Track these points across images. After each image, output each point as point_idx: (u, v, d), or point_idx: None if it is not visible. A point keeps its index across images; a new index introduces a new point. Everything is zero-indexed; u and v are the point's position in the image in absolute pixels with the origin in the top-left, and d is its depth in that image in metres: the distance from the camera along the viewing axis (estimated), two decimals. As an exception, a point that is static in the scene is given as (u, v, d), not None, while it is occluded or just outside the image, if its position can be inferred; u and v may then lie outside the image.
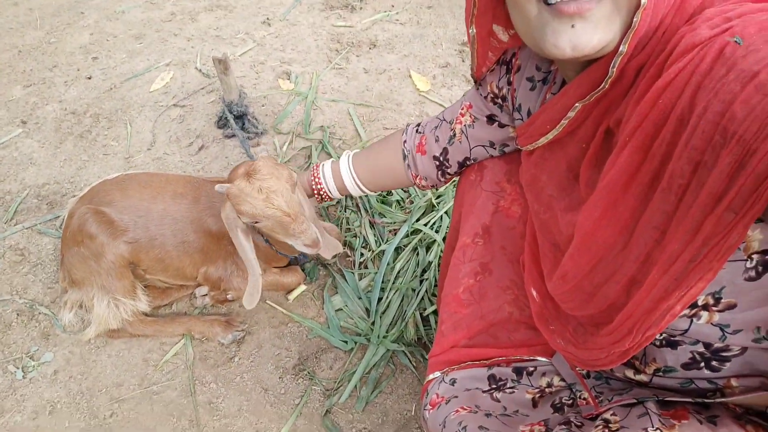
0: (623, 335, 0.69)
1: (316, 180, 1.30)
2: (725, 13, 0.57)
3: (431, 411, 0.95)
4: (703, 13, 0.59)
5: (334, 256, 1.54)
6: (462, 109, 1.07)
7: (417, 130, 1.18)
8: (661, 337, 0.75)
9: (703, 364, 0.73)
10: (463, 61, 2.33)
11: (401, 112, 2.08)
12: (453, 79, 2.24)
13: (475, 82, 1.03)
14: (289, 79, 2.24)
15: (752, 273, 0.61)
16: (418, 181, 1.20)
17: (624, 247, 0.67)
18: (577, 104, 0.72)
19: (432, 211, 1.71)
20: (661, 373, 0.79)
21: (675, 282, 0.59)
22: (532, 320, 0.94)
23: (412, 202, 1.76)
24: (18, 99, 2.12)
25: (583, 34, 0.61)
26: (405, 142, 1.19)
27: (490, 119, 1.03)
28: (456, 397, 0.95)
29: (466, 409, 0.91)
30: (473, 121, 1.06)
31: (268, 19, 2.55)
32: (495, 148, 1.07)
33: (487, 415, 0.90)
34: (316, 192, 1.31)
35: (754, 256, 0.61)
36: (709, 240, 0.54)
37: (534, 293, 0.93)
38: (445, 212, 1.69)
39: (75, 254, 1.34)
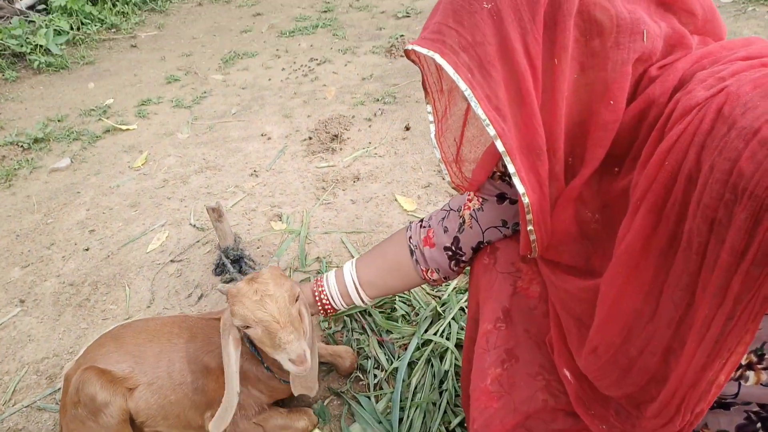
0: (671, 415, 0.66)
1: (320, 289, 1.25)
2: (718, 74, 0.59)
3: None
4: (695, 76, 0.62)
5: (307, 398, 1.44)
6: (469, 194, 1.07)
7: (422, 225, 1.16)
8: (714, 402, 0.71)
9: (759, 424, 0.69)
10: (443, 179, 2.43)
11: (392, 232, 2.11)
12: (437, 196, 2.32)
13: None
14: (281, 220, 2.31)
15: None
16: (429, 275, 1.16)
17: (653, 314, 0.65)
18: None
19: (439, 319, 1.67)
20: None
21: (714, 349, 0.57)
22: (569, 406, 0.88)
23: (417, 314, 1.73)
24: (16, 280, 2.14)
25: None
26: (410, 238, 1.17)
27: (501, 198, 1.03)
28: None
29: None
30: (482, 204, 1.05)
31: (255, 171, 2.70)
32: (508, 228, 1.05)
33: None
34: (319, 303, 1.26)
35: None
36: (740, 299, 0.53)
37: (568, 375, 0.87)
38: (453, 318, 1.65)
39: (74, 418, 1.27)
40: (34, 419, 1.58)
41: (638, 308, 0.66)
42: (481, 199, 1.05)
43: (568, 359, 0.88)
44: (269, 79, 3.77)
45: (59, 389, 1.64)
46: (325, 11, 5.06)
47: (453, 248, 1.11)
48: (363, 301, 1.24)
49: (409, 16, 4.56)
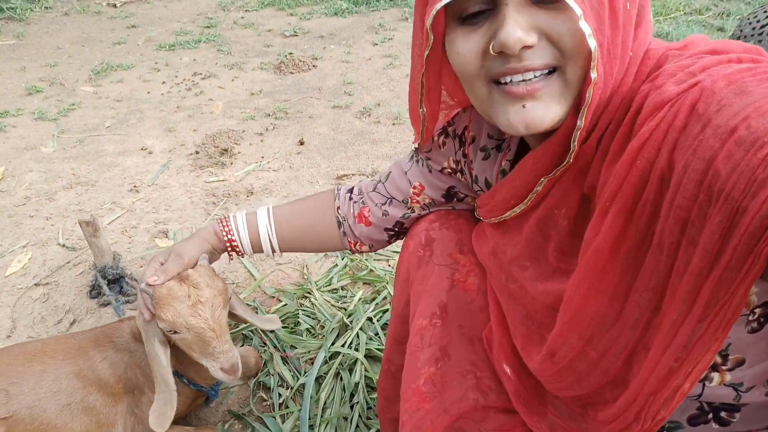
0: (629, 422, 0.63)
1: (227, 230, 1.12)
2: (687, 68, 0.56)
3: None
4: (662, 69, 0.60)
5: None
6: (414, 187, 1.02)
7: (352, 198, 1.10)
8: None
9: (711, 415, 0.69)
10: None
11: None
12: (336, 208, 2.27)
13: (415, 152, 1.01)
14: (167, 236, 2.12)
15: (755, 324, 0.60)
16: (357, 247, 1.13)
17: (618, 317, 0.62)
18: (543, 179, 0.71)
19: (346, 330, 1.61)
20: (665, 431, 0.73)
21: (680, 356, 0.55)
22: (501, 403, 0.85)
23: (323, 327, 1.65)
24: None
25: (535, 113, 0.62)
26: (338, 208, 1.11)
27: (448, 196, 1.01)
28: None
29: None
30: (431, 201, 1.03)
31: (135, 186, 2.48)
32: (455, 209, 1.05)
33: None
34: (228, 243, 1.12)
35: (756, 310, 0.59)
36: (711, 305, 0.51)
37: (507, 370, 0.84)
38: (360, 329, 1.59)
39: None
40: None
41: (602, 312, 0.63)
42: (430, 198, 1.02)
43: (509, 354, 0.85)
44: (148, 92, 3.52)
45: None
46: (208, 26, 4.87)
47: (396, 229, 1.08)
48: (273, 252, 1.15)
49: (296, 35, 4.52)
